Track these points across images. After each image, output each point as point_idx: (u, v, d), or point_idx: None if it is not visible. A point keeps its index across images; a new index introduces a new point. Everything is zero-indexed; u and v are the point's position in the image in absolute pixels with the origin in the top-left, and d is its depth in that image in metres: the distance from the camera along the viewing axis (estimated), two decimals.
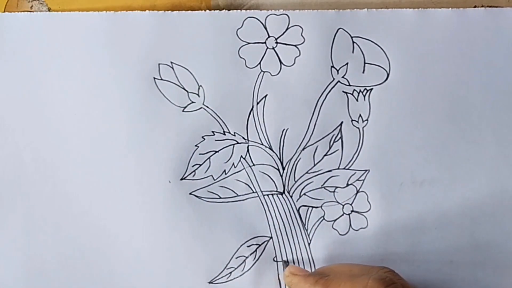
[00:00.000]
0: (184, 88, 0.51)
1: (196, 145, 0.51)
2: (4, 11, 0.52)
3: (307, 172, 0.51)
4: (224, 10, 0.51)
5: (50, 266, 0.50)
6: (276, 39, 0.51)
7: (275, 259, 0.51)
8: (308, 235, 0.51)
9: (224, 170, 0.51)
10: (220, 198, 0.51)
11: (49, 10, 0.52)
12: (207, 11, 0.51)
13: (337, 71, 0.51)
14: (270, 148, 0.51)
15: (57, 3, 0.52)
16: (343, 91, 0.51)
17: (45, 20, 0.51)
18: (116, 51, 0.51)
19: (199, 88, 0.51)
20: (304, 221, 0.51)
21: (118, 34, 0.51)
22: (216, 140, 0.51)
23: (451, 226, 0.51)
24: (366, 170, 0.51)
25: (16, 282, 0.50)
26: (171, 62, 0.51)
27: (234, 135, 0.51)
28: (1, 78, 0.51)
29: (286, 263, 0.50)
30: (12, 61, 0.51)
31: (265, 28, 0.51)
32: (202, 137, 0.51)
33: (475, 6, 0.52)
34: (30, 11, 0.52)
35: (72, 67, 0.51)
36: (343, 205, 0.51)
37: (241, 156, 0.51)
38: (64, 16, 0.51)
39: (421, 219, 0.51)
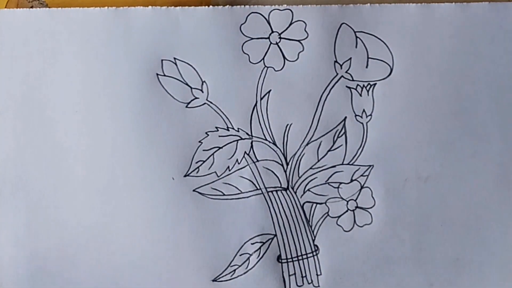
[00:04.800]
0: (187, 84, 0.50)
1: (199, 141, 0.50)
2: None
3: (311, 168, 0.51)
4: (227, 6, 0.51)
5: (53, 264, 0.50)
6: (279, 34, 0.51)
7: (279, 259, 0.50)
8: (312, 232, 0.50)
9: (228, 167, 0.50)
10: (224, 195, 0.50)
11: None
12: (211, 6, 0.51)
13: (341, 66, 0.51)
14: (274, 144, 0.51)
15: (56, 3, 0.52)
16: (346, 86, 0.51)
17: (46, 16, 0.51)
18: (118, 48, 0.50)
19: (202, 84, 0.50)
20: (308, 217, 0.51)
21: (120, 31, 0.50)
22: (219, 136, 0.50)
23: (457, 222, 0.50)
24: (370, 166, 0.51)
25: (18, 281, 0.50)
26: (174, 58, 0.50)
27: (238, 131, 0.50)
28: (1, 76, 0.50)
29: None
30: (12, 58, 0.50)
31: (269, 24, 0.51)
32: (206, 133, 0.50)
33: (478, 0, 0.52)
34: None
35: (74, 64, 0.50)
36: (347, 201, 0.51)
37: (245, 152, 0.50)
38: (65, 13, 0.51)
39: (426, 215, 0.50)
